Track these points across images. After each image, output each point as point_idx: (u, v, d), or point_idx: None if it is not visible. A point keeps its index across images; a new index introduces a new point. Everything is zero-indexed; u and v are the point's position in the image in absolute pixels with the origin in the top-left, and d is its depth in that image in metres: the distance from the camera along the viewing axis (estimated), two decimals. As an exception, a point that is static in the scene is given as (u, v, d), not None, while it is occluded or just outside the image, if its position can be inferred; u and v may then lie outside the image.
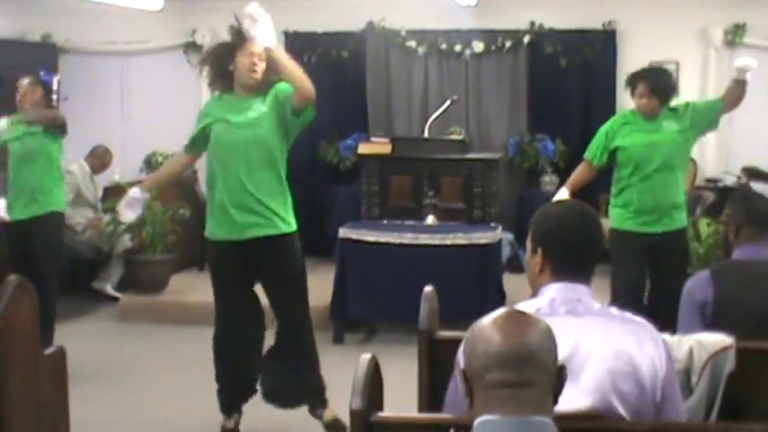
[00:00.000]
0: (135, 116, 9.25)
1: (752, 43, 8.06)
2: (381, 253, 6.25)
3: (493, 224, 6.64)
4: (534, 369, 1.80)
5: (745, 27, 8.06)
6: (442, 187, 7.02)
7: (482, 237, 6.27)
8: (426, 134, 7.30)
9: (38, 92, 5.51)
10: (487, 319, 1.87)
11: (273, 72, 4.20)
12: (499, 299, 6.07)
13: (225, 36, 4.34)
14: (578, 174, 5.35)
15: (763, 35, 8.03)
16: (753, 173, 7.75)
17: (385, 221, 6.79)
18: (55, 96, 5.72)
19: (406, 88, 8.59)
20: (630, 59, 7.97)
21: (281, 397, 4.46)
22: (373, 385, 2.15)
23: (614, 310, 2.28)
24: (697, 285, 3.13)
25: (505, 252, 7.17)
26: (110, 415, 4.97)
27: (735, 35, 8.06)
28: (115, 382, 5.56)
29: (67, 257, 6.89)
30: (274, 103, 4.20)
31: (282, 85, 4.19)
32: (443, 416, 2.26)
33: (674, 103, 5.17)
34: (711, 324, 2.96)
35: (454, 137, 7.86)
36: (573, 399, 2.02)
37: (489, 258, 6.24)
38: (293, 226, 4.32)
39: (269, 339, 4.49)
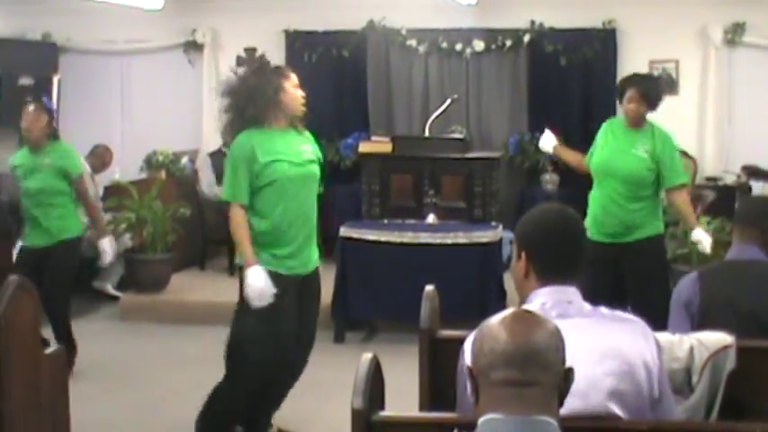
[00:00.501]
0: (135, 115, 9.26)
1: (751, 42, 8.07)
2: (382, 252, 6.25)
3: (493, 223, 6.64)
4: (540, 369, 1.80)
5: (745, 26, 8.06)
6: (442, 186, 7.03)
7: (483, 236, 6.27)
8: (427, 133, 7.30)
9: (43, 119, 5.53)
10: (496, 318, 1.88)
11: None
12: (500, 298, 6.08)
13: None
14: (574, 152, 5.51)
15: (762, 34, 8.03)
16: (753, 171, 7.74)
17: (386, 220, 6.79)
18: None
19: (407, 87, 8.59)
20: (630, 58, 7.99)
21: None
22: (374, 384, 2.15)
23: (605, 310, 2.28)
24: (684, 285, 3.16)
25: (506, 251, 7.13)
26: (110, 415, 4.97)
27: (734, 34, 8.06)
28: (115, 382, 5.55)
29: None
30: (315, 152, 4.32)
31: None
32: (445, 415, 2.26)
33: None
34: (699, 323, 2.97)
35: (455, 136, 7.85)
36: (566, 402, 2.02)
37: (490, 257, 6.24)
38: None
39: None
